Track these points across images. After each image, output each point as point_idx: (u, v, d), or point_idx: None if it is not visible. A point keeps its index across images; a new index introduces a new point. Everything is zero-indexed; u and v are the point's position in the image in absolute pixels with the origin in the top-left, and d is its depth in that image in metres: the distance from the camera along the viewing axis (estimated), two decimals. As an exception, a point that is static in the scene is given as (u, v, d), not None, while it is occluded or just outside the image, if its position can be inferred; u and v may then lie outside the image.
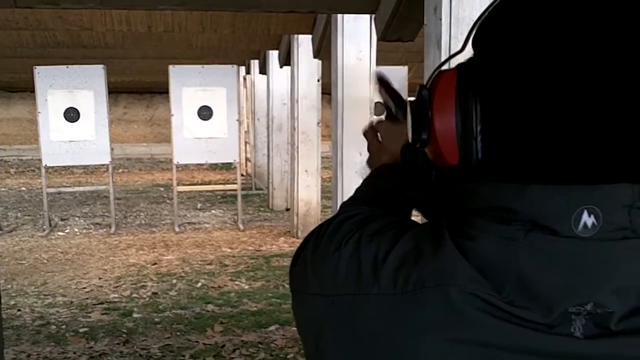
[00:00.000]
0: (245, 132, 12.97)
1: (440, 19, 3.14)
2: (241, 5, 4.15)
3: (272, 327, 4.85)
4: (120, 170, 14.07)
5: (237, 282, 6.07)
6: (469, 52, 0.70)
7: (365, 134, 1.19)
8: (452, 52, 3.49)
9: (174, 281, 6.10)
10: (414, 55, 8.11)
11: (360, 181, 1.13)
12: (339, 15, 5.41)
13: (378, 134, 1.17)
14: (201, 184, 11.81)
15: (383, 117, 1.23)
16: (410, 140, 0.74)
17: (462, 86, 0.68)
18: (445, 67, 0.72)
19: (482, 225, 0.64)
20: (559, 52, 0.61)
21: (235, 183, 8.87)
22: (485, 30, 0.68)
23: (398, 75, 8.31)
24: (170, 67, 8.18)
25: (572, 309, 0.61)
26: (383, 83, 1.26)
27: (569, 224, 0.60)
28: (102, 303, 5.46)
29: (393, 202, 0.97)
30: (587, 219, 0.60)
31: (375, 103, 1.56)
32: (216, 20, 6.22)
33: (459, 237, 0.65)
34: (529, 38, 0.63)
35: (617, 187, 0.60)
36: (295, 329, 4.88)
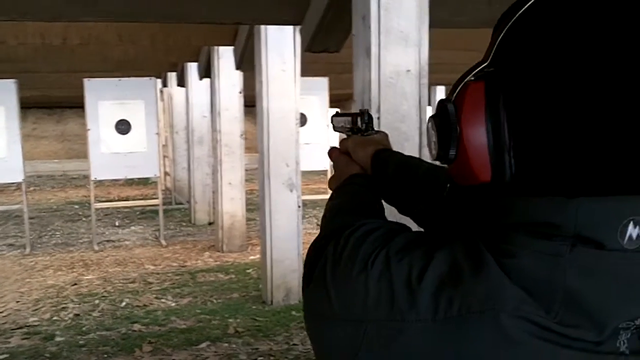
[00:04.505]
0: (164, 145, 12.73)
1: (370, 29, 3.15)
2: (166, 16, 4.07)
3: (203, 345, 4.74)
4: (31, 188, 13.53)
5: (163, 300, 5.91)
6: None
7: (330, 153, 1.19)
8: (382, 61, 3.53)
9: (97, 301, 5.89)
10: (334, 67, 8.17)
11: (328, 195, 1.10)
12: (262, 27, 5.38)
13: (346, 149, 1.15)
14: (119, 200, 11.51)
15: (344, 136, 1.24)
16: (434, 157, 0.71)
17: (491, 98, 0.64)
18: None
19: (522, 241, 0.61)
20: (602, 58, 0.58)
21: (155, 198, 8.67)
22: (514, 38, 0.65)
23: (319, 86, 8.37)
24: (85, 80, 7.94)
25: (623, 324, 0.59)
26: (336, 115, 1.30)
27: (616, 237, 0.58)
28: (21, 327, 5.21)
29: (375, 212, 0.94)
30: (633, 231, 0.58)
31: (332, 117, 1.55)
32: (135, 32, 6.07)
33: (498, 256, 0.62)
34: (568, 44, 0.60)
35: None
36: (227, 344, 4.78)
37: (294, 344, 4.71)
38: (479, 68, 0.68)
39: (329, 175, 8.86)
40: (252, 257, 7.37)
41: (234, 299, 5.87)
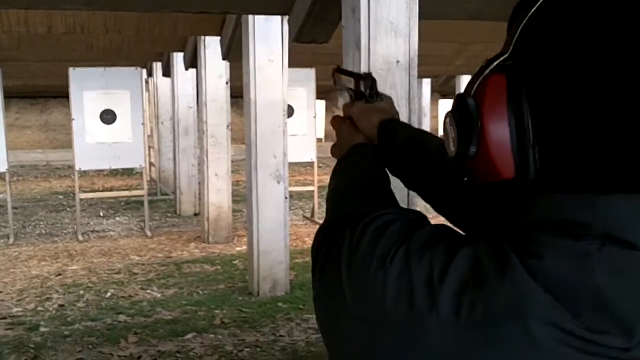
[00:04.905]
0: (149, 136, 12.65)
1: (359, 20, 3.14)
2: (151, 5, 4.03)
3: (189, 335, 4.72)
4: (14, 178, 13.40)
5: (148, 291, 5.88)
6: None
7: (332, 121, 1.15)
8: (372, 53, 3.51)
9: (81, 292, 5.85)
10: (320, 58, 8.13)
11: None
12: (250, 17, 5.34)
13: (349, 116, 1.12)
14: (104, 191, 11.44)
15: (347, 100, 1.19)
16: (453, 155, 0.67)
17: (513, 91, 0.61)
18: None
19: (548, 241, 0.59)
20: (629, 45, 0.56)
21: (140, 188, 8.61)
22: (535, 28, 0.62)
23: (306, 77, 8.33)
24: (71, 69, 7.86)
25: None
26: (339, 70, 1.23)
27: None
28: (5, 318, 5.17)
29: (386, 193, 0.91)
30: None
31: (334, 71, 1.47)
32: (121, 21, 6.01)
33: (523, 256, 0.59)
34: (594, 32, 0.58)
35: None
36: (212, 335, 4.76)
37: (280, 335, 4.70)
38: (498, 61, 0.65)
39: (316, 168, 8.73)
40: (238, 249, 7.34)
41: (220, 290, 5.85)
